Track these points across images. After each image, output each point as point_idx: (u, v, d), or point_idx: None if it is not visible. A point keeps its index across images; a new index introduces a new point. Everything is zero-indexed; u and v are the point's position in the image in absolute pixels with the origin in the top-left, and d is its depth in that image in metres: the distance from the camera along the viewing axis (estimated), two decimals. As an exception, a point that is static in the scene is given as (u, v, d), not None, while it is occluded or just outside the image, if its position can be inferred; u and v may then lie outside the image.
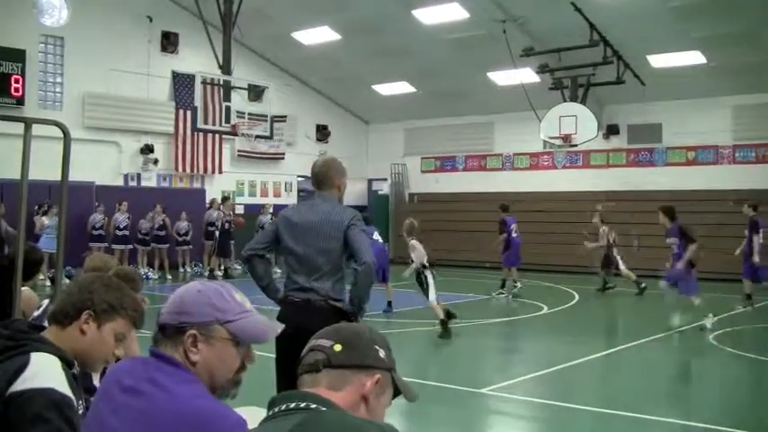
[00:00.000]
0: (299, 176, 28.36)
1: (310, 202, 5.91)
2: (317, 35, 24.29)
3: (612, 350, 11.69)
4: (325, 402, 1.92)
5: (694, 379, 10.59)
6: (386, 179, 30.11)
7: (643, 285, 18.05)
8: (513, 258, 18.79)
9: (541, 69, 21.58)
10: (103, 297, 2.80)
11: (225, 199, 23.62)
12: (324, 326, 2.17)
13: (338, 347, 2.02)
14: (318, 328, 2.17)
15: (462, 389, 9.01)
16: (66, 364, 2.61)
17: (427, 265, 13.45)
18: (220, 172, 25.41)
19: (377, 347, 2.07)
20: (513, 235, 18.77)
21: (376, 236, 15.34)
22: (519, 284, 18.37)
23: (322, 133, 29.20)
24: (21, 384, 2.44)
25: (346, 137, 29.62)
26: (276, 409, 1.93)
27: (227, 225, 22.88)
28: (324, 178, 5.85)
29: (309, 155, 28.13)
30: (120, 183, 23.26)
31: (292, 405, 1.91)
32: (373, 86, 27.57)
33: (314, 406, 1.90)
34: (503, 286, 18.50)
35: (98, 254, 5.70)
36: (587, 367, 10.79)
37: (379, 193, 30.31)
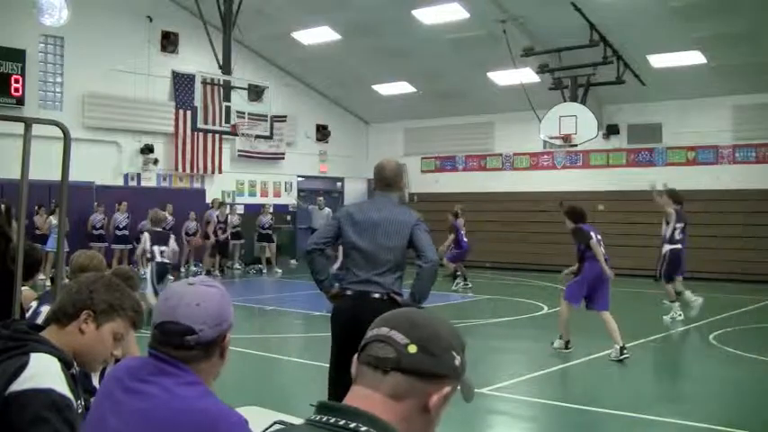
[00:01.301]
0: (299, 176, 28.41)
1: (374, 201, 6.24)
2: (318, 35, 24.30)
3: (611, 350, 11.67)
4: (376, 424, 1.71)
5: (694, 379, 10.58)
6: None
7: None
8: (461, 256, 20.40)
9: (541, 69, 21.59)
10: (103, 297, 2.80)
11: (221, 204, 23.58)
12: None
13: (413, 349, 1.76)
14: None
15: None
16: (66, 364, 2.61)
17: None
18: (220, 172, 25.42)
19: (453, 353, 1.82)
20: (465, 239, 20.22)
21: None
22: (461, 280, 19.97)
23: (322, 133, 29.22)
24: (20, 384, 2.44)
25: (346, 137, 29.64)
26: (325, 419, 1.73)
27: (221, 229, 22.96)
28: (391, 181, 6.20)
29: (309, 155, 28.30)
30: (121, 183, 23.27)
31: (342, 422, 1.71)
32: (373, 86, 27.58)
33: (364, 429, 1.69)
34: (465, 279, 19.87)
35: (83, 251, 5.69)
36: (587, 367, 10.80)
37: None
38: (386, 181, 6.15)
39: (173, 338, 2.27)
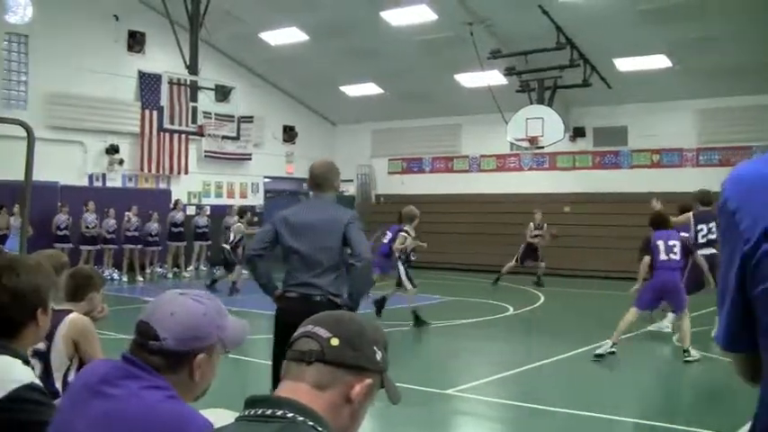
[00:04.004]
0: (265, 177, 28.31)
1: (308, 203, 6.31)
2: (285, 36, 24.24)
3: (578, 351, 11.72)
4: (304, 411, 1.79)
5: (657, 380, 10.65)
6: (352, 180, 30.08)
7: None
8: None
9: (508, 72, 21.70)
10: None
11: (243, 212, 22.11)
12: None
13: (335, 342, 1.87)
14: None
15: (427, 390, 8.97)
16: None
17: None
18: (186, 173, 25.26)
19: (375, 348, 1.93)
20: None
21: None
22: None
23: (289, 134, 29.15)
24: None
25: (313, 138, 29.55)
26: (252, 412, 1.81)
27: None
28: (322, 180, 6.12)
29: (276, 156, 28.21)
30: (85, 183, 23.05)
31: (269, 412, 1.79)
32: (341, 87, 27.56)
33: (290, 415, 1.78)
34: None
35: (43, 251, 5.62)
36: (553, 368, 10.83)
37: (346, 194, 30.25)
38: (316, 181, 6.11)
39: (141, 339, 2.25)
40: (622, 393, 9.64)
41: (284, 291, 6.02)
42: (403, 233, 14.04)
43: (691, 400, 9.32)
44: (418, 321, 13.70)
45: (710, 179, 22.70)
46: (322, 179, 6.09)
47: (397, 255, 14.10)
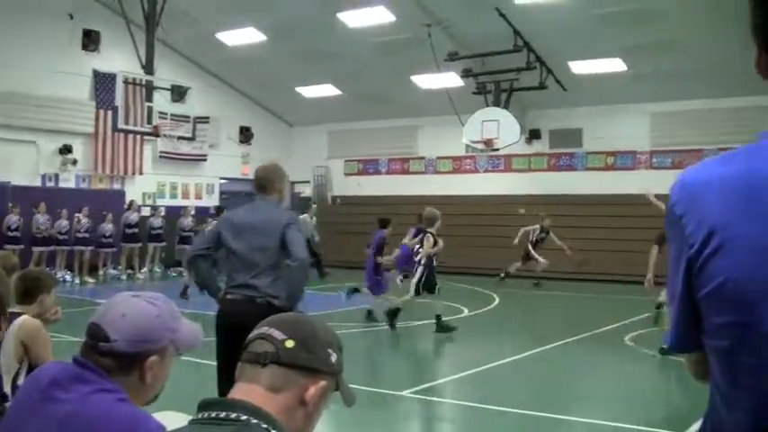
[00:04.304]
0: (221, 178, 28.16)
1: (251, 205, 6.22)
2: (242, 36, 24.13)
3: (533, 352, 11.79)
4: (258, 413, 1.78)
5: (609, 379, 10.73)
6: (308, 182, 30.03)
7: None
8: None
9: (465, 74, 21.78)
10: None
11: (220, 211, 21.59)
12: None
13: (290, 344, 1.86)
14: (255, 325, 2.04)
15: (383, 392, 8.98)
16: None
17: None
18: (141, 173, 25.05)
19: (330, 351, 1.93)
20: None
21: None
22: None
23: (245, 135, 29.03)
24: None
25: (270, 139, 29.46)
26: (205, 414, 1.79)
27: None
28: (265, 182, 6.15)
29: (232, 157, 28.07)
30: (38, 183, 22.76)
31: (222, 414, 1.77)
32: (297, 88, 27.50)
33: (244, 418, 1.76)
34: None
35: None
36: (507, 369, 10.87)
37: (302, 195, 30.23)
38: (260, 183, 6.15)
39: (92, 342, 2.22)
40: (579, 393, 9.71)
41: (225, 292, 6.02)
42: (429, 236, 13.33)
43: (648, 399, 9.39)
44: (392, 325, 13.43)
45: (663, 181, 22.85)
46: (265, 181, 6.13)
47: (421, 259, 13.51)
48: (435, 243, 13.30)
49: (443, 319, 13.27)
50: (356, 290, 15.83)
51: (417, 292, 13.45)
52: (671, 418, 7.96)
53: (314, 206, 23.62)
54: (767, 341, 1.42)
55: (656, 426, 7.77)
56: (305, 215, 22.68)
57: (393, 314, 13.44)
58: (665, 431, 7.55)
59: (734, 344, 1.47)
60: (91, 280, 21.23)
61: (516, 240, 20.50)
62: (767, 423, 1.44)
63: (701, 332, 1.56)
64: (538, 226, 20.77)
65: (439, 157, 27.63)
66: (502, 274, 20.82)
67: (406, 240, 15.06)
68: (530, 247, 20.53)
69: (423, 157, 28.09)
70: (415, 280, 13.49)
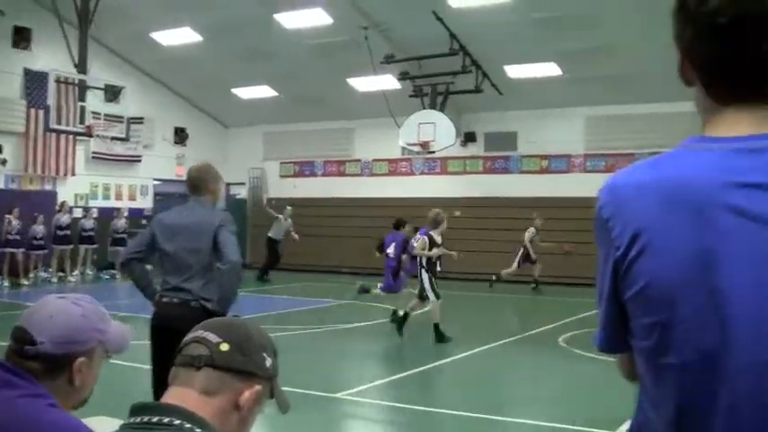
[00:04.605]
0: (155, 180, 27.84)
1: (184, 206, 6.14)
2: (178, 36, 23.85)
3: (468, 353, 11.88)
4: (191, 418, 1.76)
5: (544, 380, 10.86)
6: (244, 183, 29.87)
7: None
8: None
9: (402, 76, 21.83)
10: None
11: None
12: (195, 325, 2.05)
13: (225, 347, 1.84)
14: (189, 328, 2.02)
15: (316, 394, 8.96)
16: None
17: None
18: (73, 174, 24.64)
19: (264, 354, 1.91)
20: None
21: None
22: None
23: (180, 136, 28.74)
24: None
25: (205, 140, 29.20)
26: (138, 419, 1.76)
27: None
28: (198, 183, 6.07)
29: (167, 158, 27.77)
30: (-35, 183, 22.31)
31: (155, 419, 1.74)
32: (233, 90, 27.32)
33: (177, 422, 1.74)
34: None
35: None
36: (442, 371, 10.94)
37: (237, 197, 30.05)
38: (192, 184, 6.09)
39: (17, 345, 2.19)
40: (513, 394, 9.81)
41: (160, 295, 5.94)
42: (425, 237, 13.01)
43: (579, 399, 9.53)
44: (440, 336, 12.79)
45: (597, 185, 23.01)
46: (198, 182, 6.07)
47: (419, 261, 13.17)
48: (432, 246, 12.94)
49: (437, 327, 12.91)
50: (366, 290, 15.77)
51: (437, 295, 13.03)
52: (602, 418, 8.06)
53: (289, 208, 23.47)
54: (688, 341, 1.47)
55: (586, 425, 7.89)
56: (280, 216, 22.72)
57: (401, 321, 13.13)
58: (595, 430, 7.67)
59: (658, 344, 1.51)
60: (26, 282, 20.86)
61: (532, 254, 20.60)
62: (689, 422, 1.48)
63: (628, 333, 1.60)
64: (533, 228, 20.97)
65: (375, 160, 27.67)
66: (494, 277, 20.76)
67: (414, 242, 14.90)
68: (530, 250, 20.71)
69: (359, 160, 28.10)
70: (427, 286, 13.00)
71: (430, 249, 12.96)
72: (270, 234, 23.19)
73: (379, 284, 16.51)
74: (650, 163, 1.59)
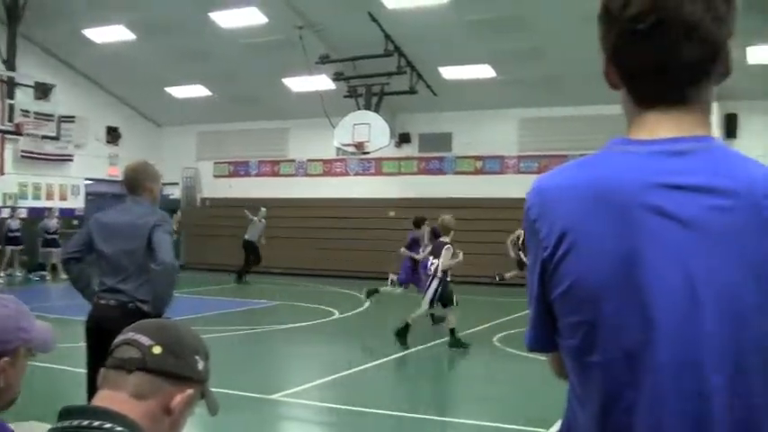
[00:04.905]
0: (86, 179, 27.42)
1: (122, 206, 5.99)
2: (111, 33, 23.47)
3: (403, 353, 11.91)
4: (122, 421, 1.73)
5: (477, 379, 10.94)
6: (177, 183, 29.59)
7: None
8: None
9: (337, 77, 21.83)
10: None
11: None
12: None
13: (157, 350, 1.82)
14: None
15: (251, 395, 8.90)
16: None
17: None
18: (2, 173, 24.15)
19: (197, 357, 1.90)
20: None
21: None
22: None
23: (112, 135, 28.32)
24: None
25: (138, 139, 28.83)
26: (67, 423, 1.72)
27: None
28: (135, 183, 5.94)
29: (99, 157, 27.36)
30: None
31: (85, 423, 1.71)
32: (167, 89, 27.03)
33: (107, 426, 1.70)
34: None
35: None
36: (378, 371, 10.95)
37: (171, 197, 29.74)
38: (128, 183, 5.96)
39: None
40: (448, 394, 9.87)
41: (97, 297, 5.81)
42: (450, 248, 12.42)
43: (512, 398, 9.62)
44: (402, 337, 12.37)
45: (530, 186, 23.51)
46: (134, 182, 5.94)
47: (437, 272, 12.58)
48: (454, 254, 12.55)
49: (457, 333, 12.50)
50: (376, 290, 15.56)
51: (431, 306, 12.74)
52: (537, 417, 8.16)
53: (263, 209, 23.21)
54: (612, 339, 1.51)
55: (520, 424, 7.97)
56: (255, 217, 22.52)
57: (403, 331, 12.43)
58: (531, 429, 7.76)
59: (583, 343, 1.55)
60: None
61: (512, 253, 20.40)
62: (612, 419, 1.52)
63: (556, 333, 1.63)
64: (520, 231, 20.92)
65: (310, 160, 27.62)
66: (497, 278, 20.59)
67: (421, 253, 14.72)
68: (520, 254, 20.64)
69: (293, 160, 28.02)
70: (430, 294, 12.54)
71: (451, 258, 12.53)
72: (246, 236, 22.90)
73: (392, 277, 16.26)
74: (576, 165, 1.63)
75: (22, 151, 24.66)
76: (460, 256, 12.67)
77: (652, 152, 1.55)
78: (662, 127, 1.57)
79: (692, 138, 1.55)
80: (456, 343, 12.28)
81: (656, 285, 1.48)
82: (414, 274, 15.34)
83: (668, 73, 1.56)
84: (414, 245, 15.62)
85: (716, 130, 20.24)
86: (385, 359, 11.56)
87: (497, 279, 20.31)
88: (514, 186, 23.25)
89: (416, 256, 15.23)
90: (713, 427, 1.46)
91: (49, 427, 1.82)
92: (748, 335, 1.47)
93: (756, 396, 1.47)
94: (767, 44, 18.38)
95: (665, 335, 1.47)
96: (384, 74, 21.05)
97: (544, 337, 1.68)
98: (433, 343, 12.77)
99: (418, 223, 15.98)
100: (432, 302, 12.61)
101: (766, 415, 1.49)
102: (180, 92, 27.15)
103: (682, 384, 1.47)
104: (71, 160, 26.30)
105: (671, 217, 1.49)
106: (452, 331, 12.37)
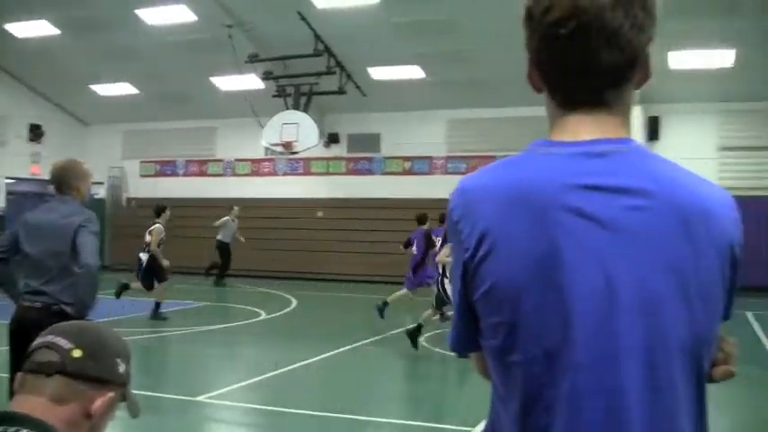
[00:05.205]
0: (8, 178, 26.85)
1: (47, 205, 5.87)
2: (34, 28, 22.96)
3: (329, 354, 11.88)
4: (40, 427, 1.69)
5: (405, 379, 10.99)
6: (103, 183, 29.13)
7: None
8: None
9: (266, 76, 21.74)
10: None
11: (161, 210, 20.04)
12: None
13: (77, 353, 1.79)
14: None
15: (177, 398, 8.82)
16: None
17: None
18: None
19: (118, 360, 1.87)
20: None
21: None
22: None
23: (35, 133, 27.77)
24: None
25: (62, 138, 28.30)
26: None
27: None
28: (60, 181, 5.80)
29: (20, 156, 26.82)
30: None
31: (1, 429, 1.67)
32: (93, 86, 26.60)
33: (24, 431, 1.66)
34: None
35: None
36: (304, 371, 10.91)
37: (96, 197, 29.27)
38: (54, 181, 5.83)
39: None
40: (375, 394, 9.88)
41: (22, 299, 5.66)
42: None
43: (439, 397, 9.68)
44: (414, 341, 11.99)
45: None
46: (61, 180, 5.80)
47: (439, 267, 12.47)
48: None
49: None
50: (386, 303, 15.04)
51: (438, 307, 12.62)
52: (462, 416, 8.23)
53: (236, 208, 22.77)
54: (532, 339, 1.52)
55: (447, 423, 8.02)
56: (227, 218, 22.08)
57: (415, 333, 12.01)
58: (456, 428, 7.81)
59: (504, 343, 1.56)
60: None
61: None
62: (532, 418, 1.54)
63: (479, 333, 1.64)
64: None
65: (237, 160, 27.45)
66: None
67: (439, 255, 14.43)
68: None
69: (221, 160, 27.82)
70: (445, 294, 12.26)
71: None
72: (219, 237, 22.47)
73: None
74: (499, 166, 1.64)
75: (-59, 149, 24.13)
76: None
77: (573, 153, 1.56)
78: (584, 129, 1.59)
79: (612, 139, 1.57)
80: (413, 336, 11.97)
81: (575, 285, 1.49)
82: (414, 276, 15.25)
83: (589, 77, 1.58)
84: (420, 242, 15.47)
85: (639, 133, 20.66)
86: (313, 359, 11.52)
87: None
88: (442, 187, 23.31)
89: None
90: (630, 423, 1.47)
91: None
92: (664, 332, 1.49)
93: (672, 392, 1.50)
94: (688, 49, 18.82)
95: (583, 334, 1.49)
96: (313, 74, 21.01)
97: (467, 337, 1.69)
98: (360, 343, 12.79)
99: (422, 220, 15.89)
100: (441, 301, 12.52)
101: (682, 411, 1.51)
102: (106, 89, 26.73)
103: (599, 382, 1.48)
104: (-8, 159, 25.79)
105: (589, 217, 1.50)
106: (419, 326, 12.13)
